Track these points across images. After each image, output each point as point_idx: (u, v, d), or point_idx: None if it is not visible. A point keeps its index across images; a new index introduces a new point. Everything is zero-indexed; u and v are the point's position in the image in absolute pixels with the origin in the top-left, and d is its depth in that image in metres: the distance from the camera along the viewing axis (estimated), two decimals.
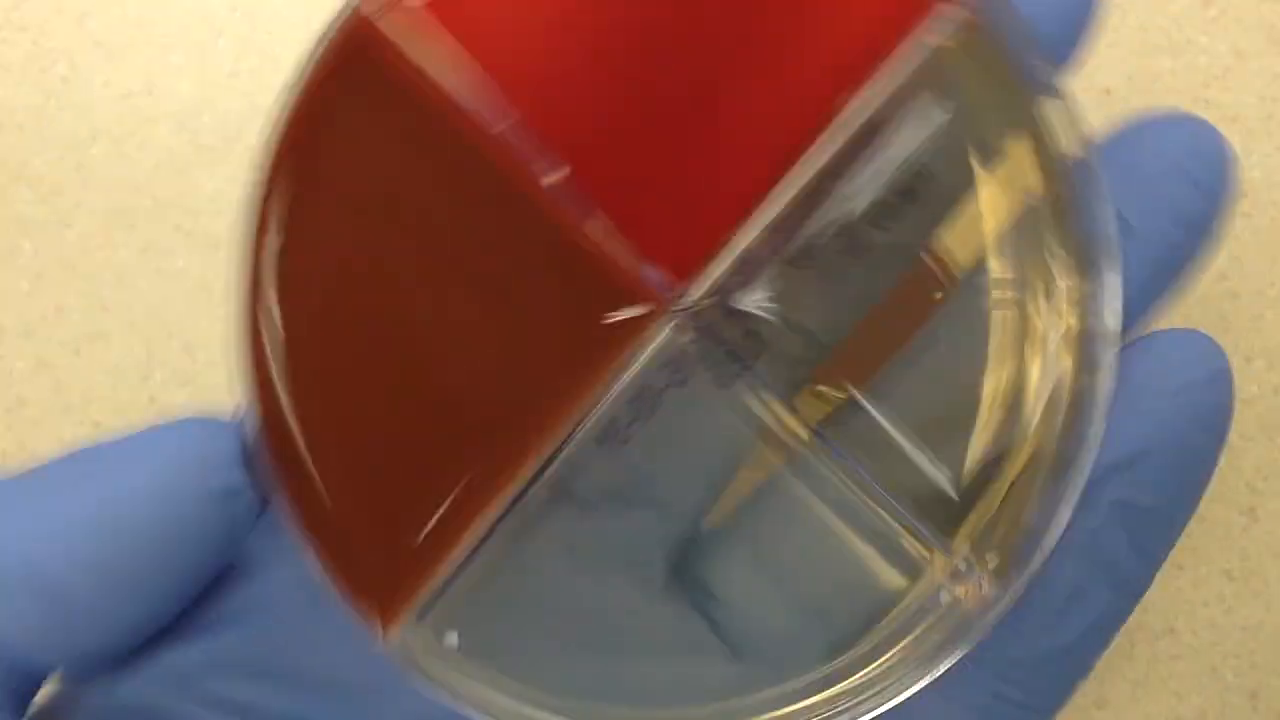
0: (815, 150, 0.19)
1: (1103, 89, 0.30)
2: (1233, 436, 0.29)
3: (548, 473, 0.19)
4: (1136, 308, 0.21)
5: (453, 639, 0.20)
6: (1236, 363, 0.29)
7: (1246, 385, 0.29)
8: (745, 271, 0.19)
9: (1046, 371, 0.19)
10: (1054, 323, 0.19)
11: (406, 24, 0.18)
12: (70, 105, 0.30)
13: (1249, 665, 0.29)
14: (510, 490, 0.19)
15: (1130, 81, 0.30)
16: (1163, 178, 0.20)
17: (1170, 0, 0.30)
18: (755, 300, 0.19)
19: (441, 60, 0.18)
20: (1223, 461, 0.30)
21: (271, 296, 0.19)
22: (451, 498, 0.19)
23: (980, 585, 0.19)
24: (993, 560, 0.19)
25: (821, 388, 0.20)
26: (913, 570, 0.20)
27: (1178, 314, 0.29)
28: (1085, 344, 0.19)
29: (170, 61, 0.30)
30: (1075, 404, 0.19)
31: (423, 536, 0.19)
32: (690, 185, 0.19)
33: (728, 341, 0.19)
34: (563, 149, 0.18)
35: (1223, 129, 0.30)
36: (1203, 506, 0.29)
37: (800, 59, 0.18)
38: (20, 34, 0.30)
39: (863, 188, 0.19)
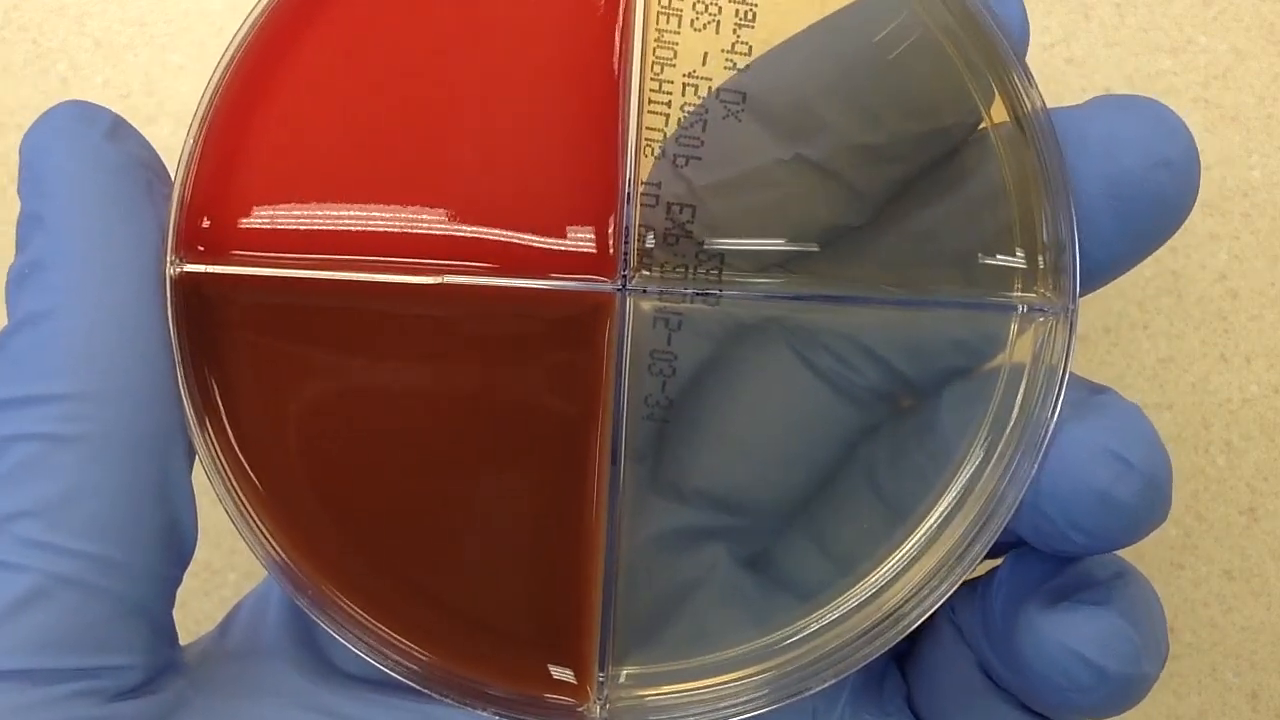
0: (626, 109, 0.19)
1: (1103, 89, 0.30)
2: (1233, 436, 0.29)
3: (622, 484, 0.19)
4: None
5: (624, 672, 0.20)
6: (1236, 363, 0.29)
7: (1247, 385, 0.29)
8: (656, 218, 0.19)
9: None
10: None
11: (223, 256, 0.19)
12: None
13: (1249, 665, 0.29)
14: (600, 535, 0.19)
15: (1130, 81, 0.30)
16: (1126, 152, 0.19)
17: (1170, 0, 0.30)
18: (677, 229, 0.19)
19: (280, 250, 0.19)
20: (1222, 461, 0.30)
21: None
22: (565, 555, 0.19)
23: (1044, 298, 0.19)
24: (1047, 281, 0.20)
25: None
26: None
27: (1176, 313, 0.29)
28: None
29: (170, 61, 0.30)
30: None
31: (563, 600, 0.19)
32: (558, 198, 0.19)
33: (685, 270, 0.19)
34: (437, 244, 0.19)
35: (1222, 129, 0.30)
36: (1203, 506, 0.29)
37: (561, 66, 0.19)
38: (20, 34, 0.30)
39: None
